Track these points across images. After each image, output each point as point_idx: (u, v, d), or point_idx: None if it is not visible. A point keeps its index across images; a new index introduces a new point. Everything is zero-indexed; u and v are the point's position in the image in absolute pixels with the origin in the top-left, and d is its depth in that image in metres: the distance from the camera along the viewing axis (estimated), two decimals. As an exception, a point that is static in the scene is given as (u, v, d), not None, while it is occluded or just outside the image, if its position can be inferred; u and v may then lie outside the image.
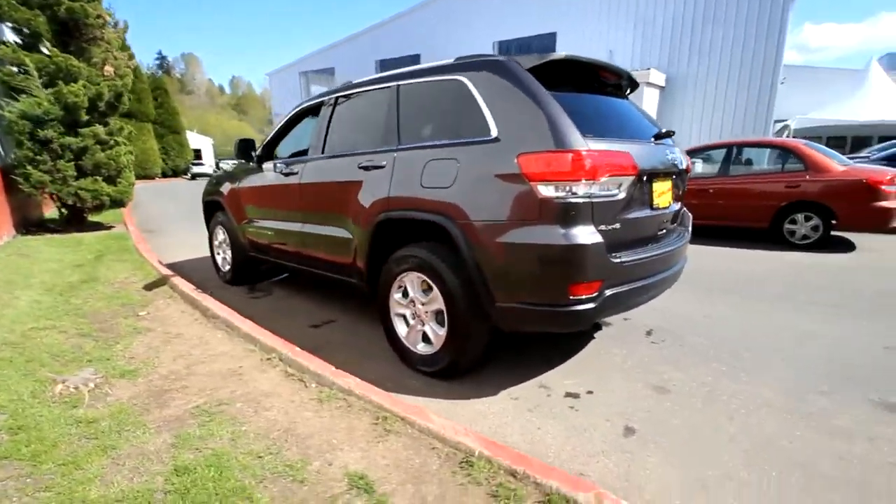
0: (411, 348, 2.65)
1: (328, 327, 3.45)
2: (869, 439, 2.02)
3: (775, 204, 5.96)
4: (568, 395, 2.43)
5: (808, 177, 5.76)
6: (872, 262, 5.24)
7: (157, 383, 2.53)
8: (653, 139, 2.56)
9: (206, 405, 2.26)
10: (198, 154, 40.72)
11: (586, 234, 2.04)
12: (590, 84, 2.53)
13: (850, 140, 18.15)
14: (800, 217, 5.89)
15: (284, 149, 4.06)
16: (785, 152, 6.08)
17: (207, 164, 36.86)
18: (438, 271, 2.37)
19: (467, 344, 2.38)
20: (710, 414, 2.23)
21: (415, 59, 21.63)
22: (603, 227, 2.11)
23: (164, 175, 29.96)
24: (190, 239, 7.46)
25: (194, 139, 41.04)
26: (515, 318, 2.22)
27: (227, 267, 4.62)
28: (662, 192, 2.51)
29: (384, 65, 22.67)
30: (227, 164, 42.45)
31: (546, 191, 2.02)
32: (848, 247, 5.96)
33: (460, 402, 2.36)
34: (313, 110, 3.54)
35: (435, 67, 2.62)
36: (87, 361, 2.78)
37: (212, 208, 4.79)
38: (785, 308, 3.72)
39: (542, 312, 2.14)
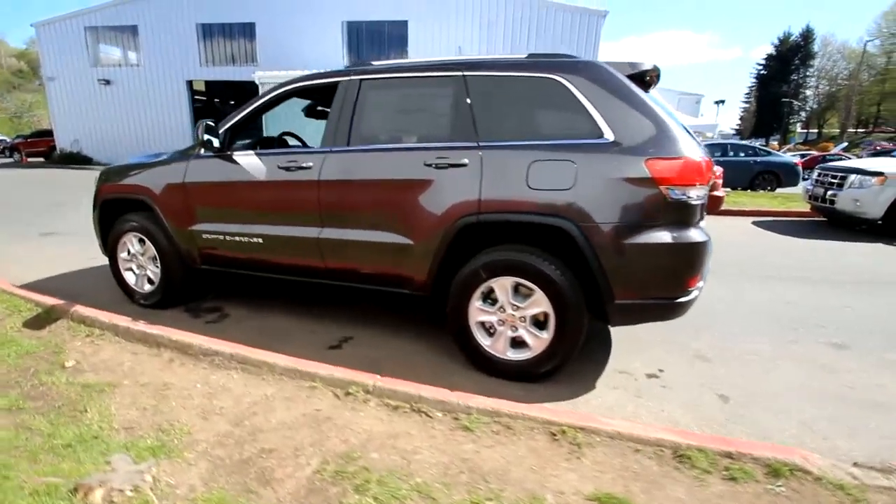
0: (500, 356, 2.55)
1: (351, 346, 3.02)
2: (849, 371, 2.79)
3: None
4: (649, 376, 2.68)
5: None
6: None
7: (218, 454, 1.91)
8: None
9: (330, 466, 1.82)
10: None
11: (701, 233, 2.29)
12: (647, 91, 2.76)
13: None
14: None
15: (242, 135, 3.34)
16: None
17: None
18: (546, 273, 2.34)
19: (576, 344, 2.42)
20: (753, 371, 2.75)
21: (249, 27, 19.15)
22: (700, 225, 2.39)
23: None
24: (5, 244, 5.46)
25: None
26: (632, 313, 2.36)
27: (150, 287, 3.58)
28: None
29: (208, 30, 19.46)
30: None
31: (674, 194, 2.18)
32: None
33: (575, 401, 2.40)
34: (315, 92, 2.98)
35: (513, 62, 2.51)
36: (67, 447, 1.91)
37: (116, 209, 3.61)
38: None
39: (659, 305, 2.33)
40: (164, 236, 3.37)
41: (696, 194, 2.25)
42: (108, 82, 20.06)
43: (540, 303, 2.40)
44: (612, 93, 2.30)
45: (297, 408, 2.22)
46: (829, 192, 7.28)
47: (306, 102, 3.79)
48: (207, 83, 22.02)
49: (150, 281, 3.58)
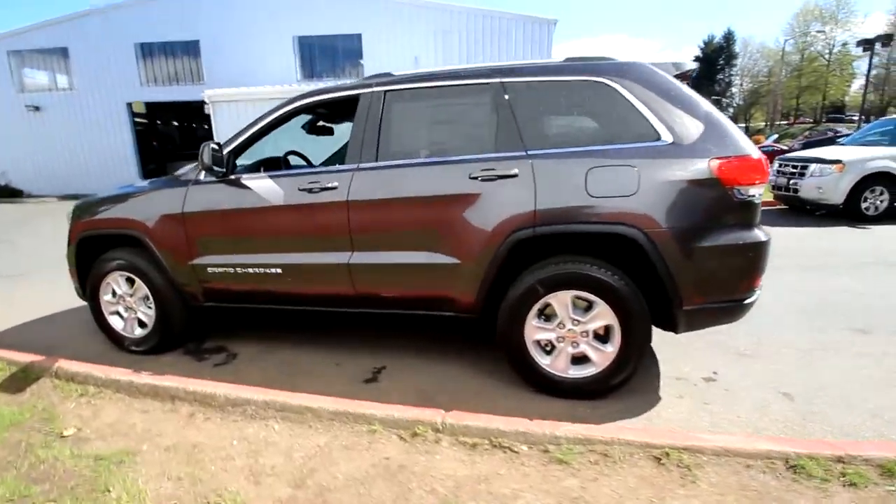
0: (561, 375, 2.41)
1: (388, 377, 2.78)
2: (885, 355, 2.85)
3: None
4: (706, 380, 2.62)
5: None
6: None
7: (290, 525, 1.64)
8: None
9: (427, 524, 1.60)
10: None
11: (763, 232, 2.25)
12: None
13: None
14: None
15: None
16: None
17: None
18: (610, 284, 2.23)
19: (643, 356, 2.32)
20: (799, 365, 2.74)
21: (193, 45, 18.23)
22: None
23: None
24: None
25: None
26: (700, 318, 2.28)
27: (142, 330, 3.17)
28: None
29: (148, 49, 18.35)
30: None
31: (739, 193, 2.13)
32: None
33: (648, 415, 2.29)
34: (331, 106, 2.75)
35: (554, 67, 2.41)
36: (101, 540, 1.59)
37: (96, 247, 3.19)
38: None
39: (727, 308, 2.27)
40: (158, 273, 3.00)
41: (758, 193, 2.21)
42: (37, 109, 18.46)
43: (604, 315, 2.28)
44: (663, 94, 2.24)
45: (361, 458, 1.97)
46: (792, 182, 7.71)
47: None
48: (148, 104, 20.76)
49: (142, 324, 3.18)
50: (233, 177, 2.81)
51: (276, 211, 2.69)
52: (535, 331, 2.41)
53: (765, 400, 2.39)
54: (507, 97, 2.40)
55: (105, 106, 18.50)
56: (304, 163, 3.70)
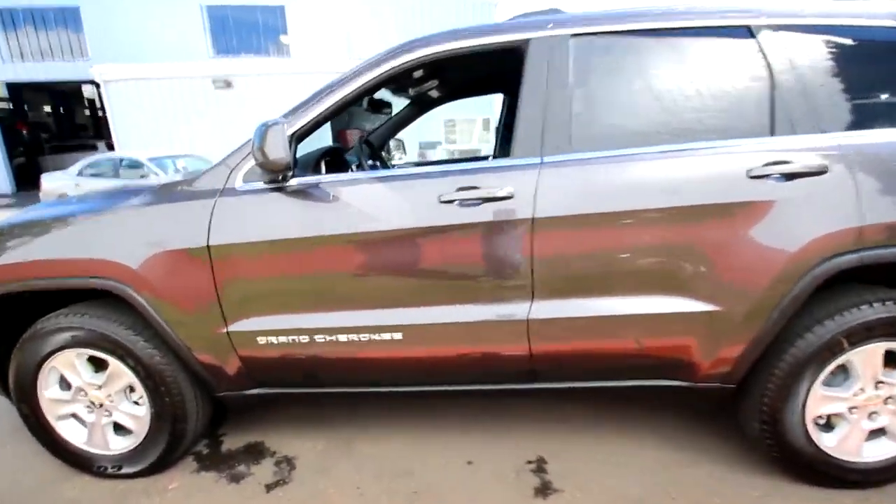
0: (852, 460, 1.66)
1: (560, 476, 1.84)
2: None
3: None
4: None
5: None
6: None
7: None
8: None
9: None
10: None
11: None
12: None
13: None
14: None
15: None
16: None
17: None
18: (948, 331, 1.51)
19: (973, 422, 1.64)
20: None
21: (72, 12, 14.87)
22: None
23: None
24: None
25: None
26: None
27: (124, 441, 1.91)
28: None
29: (10, 17, 14.65)
30: None
31: None
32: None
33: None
34: (455, 61, 1.70)
35: (847, 10, 1.61)
36: None
37: (21, 309, 1.84)
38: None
39: None
40: (154, 347, 1.75)
41: None
42: None
43: (924, 373, 1.56)
44: None
45: None
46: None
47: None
48: (15, 85, 16.81)
49: (121, 429, 1.90)
50: (297, 182, 1.65)
51: (396, 240, 1.59)
52: (820, 401, 1.62)
53: None
54: (785, 50, 1.55)
55: (-49, 86, 14.63)
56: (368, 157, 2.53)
